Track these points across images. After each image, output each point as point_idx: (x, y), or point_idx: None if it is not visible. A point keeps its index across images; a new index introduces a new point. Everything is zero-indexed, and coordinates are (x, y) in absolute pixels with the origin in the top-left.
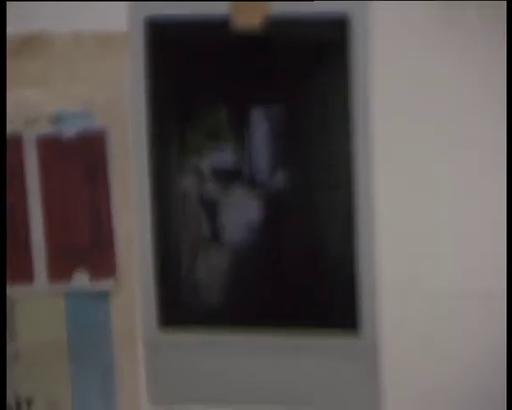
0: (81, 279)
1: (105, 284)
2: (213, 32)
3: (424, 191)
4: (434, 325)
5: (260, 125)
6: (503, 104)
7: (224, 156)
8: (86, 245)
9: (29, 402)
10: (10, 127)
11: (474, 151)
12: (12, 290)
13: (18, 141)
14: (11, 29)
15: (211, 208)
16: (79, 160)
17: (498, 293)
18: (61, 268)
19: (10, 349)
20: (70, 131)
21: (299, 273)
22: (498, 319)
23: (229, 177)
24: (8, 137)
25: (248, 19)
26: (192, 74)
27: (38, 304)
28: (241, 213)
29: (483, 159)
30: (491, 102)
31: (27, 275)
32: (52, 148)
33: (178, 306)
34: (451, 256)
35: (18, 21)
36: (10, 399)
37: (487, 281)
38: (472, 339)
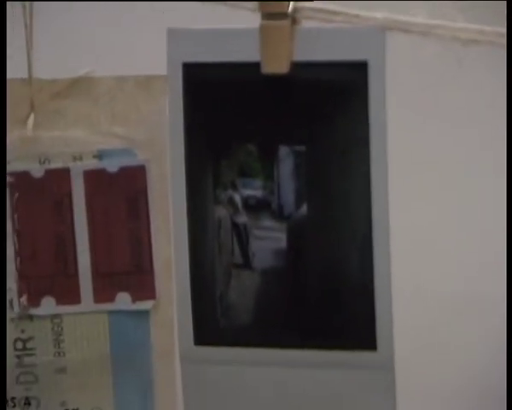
0: (123, 301)
1: (145, 305)
2: (245, 75)
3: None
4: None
5: (287, 162)
6: None
7: (255, 190)
8: (128, 270)
9: None
10: (59, 162)
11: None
12: (61, 310)
13: (66, 175)
14: (61, 72)
15: (242, 237)
16: (122, 192)
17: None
18: (105, 291)
19: (59, 363)
20: (113, 165)
21: (321, 296)
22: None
23: (259, 208)
24: (57, 171)
25: (276, 65)
26: (225, 114)
27: (85, 323)
28: (270, 241)
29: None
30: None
31: (75, 297)
32: (97, 181)
33: (213, 325)
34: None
35: (67, 65)
36: (58, 409)
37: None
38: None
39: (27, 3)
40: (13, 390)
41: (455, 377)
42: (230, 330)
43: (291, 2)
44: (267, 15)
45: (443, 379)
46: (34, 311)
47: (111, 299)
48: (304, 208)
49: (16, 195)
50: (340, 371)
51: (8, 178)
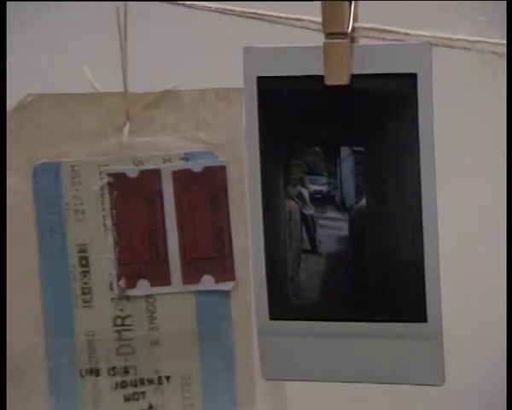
0: (208, 282)
1: (226, 286)
2: (310, 87)
3: None
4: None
5: (348, 161)
6: None
7: (321, 185)
8: (211, 256)
9: (168, 378)
10: (151, 164)
11: None
12: (154, 291)
13: (157, 175)
14: (151, 85)
15: (310, 226)
16: (205, 189)
17: None
18: (192, 274)
19: (153, 337)
20: (198, 166)
21: (379, 276)
22: None
23: (324, 201)
24: (149, 172)
25: (338, 77)
26: (294, 121)
27: (174, 302)
28: (334, 230)
29: None
30: None
31: (166, 279)
32: (184, 180)
33: (285, 302)
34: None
35: (157, 79)
36: (153, 376)
37: None
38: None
39: (122, 24)
40: (113, 361)
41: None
42: (300, 306)
43: (350, 23)
44: (329, 35)
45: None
46: (131, 292)
47: (197, 281)
48: (363, 201)
49: (115, 193)
50: (395, 341)
51: (108, 179)
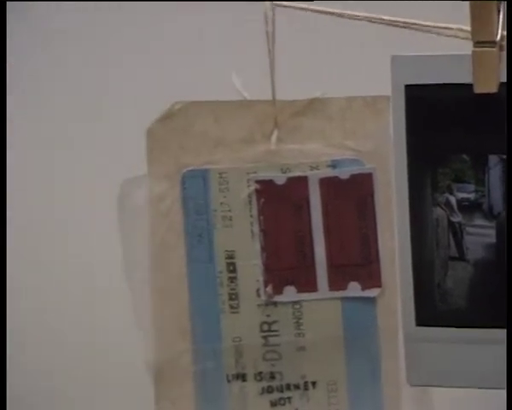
0: (354, 289)
1: (373, 293)
2: (459, 95)
3: None
4: None
5: (496, 169)
6: None
7: (468, 193)
8: (358, 262)
9: (314, 384)
10: (298, 171)
11: None
12: (301, 297)
13: (304, 182)
14: (299, 93)
15: (457, 233)
16: (352, 196)
17: None
18: (338, 280)
19: (299, 343)
20: (345, 173)
21: None
22: None
23: (472, 209)
24: (297, 179)
25: (487, 85)
26: (442, 128)
27: (321, 308)
28: (481, 237)
29: None
30: None
31: (313, 286)
32: (331, 187)
33: (431, 308)
34: None
35: (304, 87)
36: (299, 381)
37: None
38: None
39: (270, 32)
40: (260, 366)
41: None
42: (447, 313)
43: (499, 32)
44: (478, 43)
45: None
46: (278, 298)
47: (343, 287)
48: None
49: (262, 200)
50: None
51: (255, 186)
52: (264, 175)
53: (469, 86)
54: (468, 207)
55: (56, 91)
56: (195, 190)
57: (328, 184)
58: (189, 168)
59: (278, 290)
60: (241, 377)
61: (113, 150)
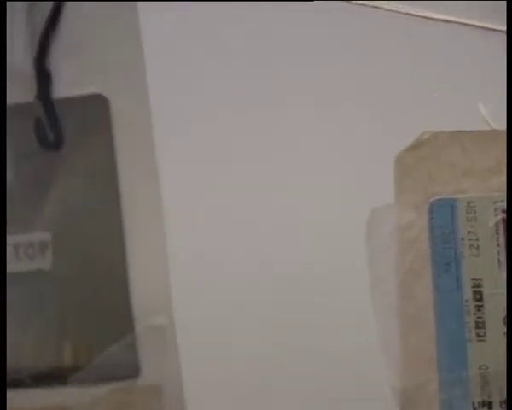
0: None
1: None
2: None
3: None
4: None
5: None
6: None
7: None
8: None
9: None
10: None
11: None
12: None
13: None
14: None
15: None
16: None
17: None
18: None
19: None
20: None
21: None
22: None
23: None
24: None
25: None
26: None
27: None
28: None
29: None
30: None
31: None
32: None
33: None
34: None
35: None
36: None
37: None
38: None
39: None
40: (506, 393)
41: None
42: None
43: None
44: None
45: None
46: None
47: None
48: None
49: None
50: None
51: (502, 215)
52: None
53: None
54: None
55: None
56: (443, 219)
57: None
58: (437, 197)
59: None
60: (487, 404)
61: (361, 177)
